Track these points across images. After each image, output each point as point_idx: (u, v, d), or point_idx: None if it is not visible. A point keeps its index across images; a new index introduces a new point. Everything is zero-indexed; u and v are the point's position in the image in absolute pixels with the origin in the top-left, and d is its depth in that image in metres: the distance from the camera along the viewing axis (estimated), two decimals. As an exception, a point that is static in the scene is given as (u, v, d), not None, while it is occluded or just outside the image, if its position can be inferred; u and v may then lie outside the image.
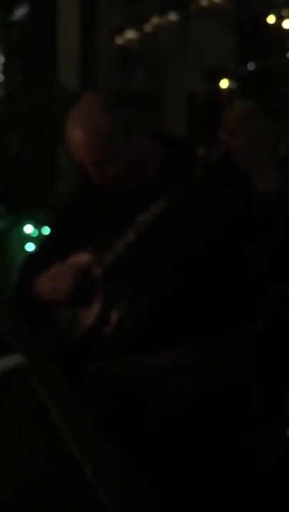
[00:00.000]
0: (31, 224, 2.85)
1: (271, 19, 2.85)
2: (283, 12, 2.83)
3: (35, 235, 2.84)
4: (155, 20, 3.94)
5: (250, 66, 2.83)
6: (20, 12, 3.43)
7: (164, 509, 0.69)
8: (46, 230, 2.71)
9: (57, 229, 1.60)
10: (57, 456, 0.79)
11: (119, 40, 3.97)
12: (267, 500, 0.92)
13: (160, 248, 1.30)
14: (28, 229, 2.86)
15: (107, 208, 1.39)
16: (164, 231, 1.29)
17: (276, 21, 2.86)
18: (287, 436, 0.82)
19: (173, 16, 3.87)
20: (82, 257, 1.36)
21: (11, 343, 1.15)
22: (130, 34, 4.00)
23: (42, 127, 2.91)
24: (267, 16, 2.85)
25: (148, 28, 3.97)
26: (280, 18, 2.86)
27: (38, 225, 2.84)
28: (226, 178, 1.25)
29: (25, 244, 2.83)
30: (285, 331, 0.94)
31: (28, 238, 2.84)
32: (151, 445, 1.03)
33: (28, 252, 2.79)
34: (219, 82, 2.99)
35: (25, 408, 0.92)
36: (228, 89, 2.92)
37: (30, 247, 2.82)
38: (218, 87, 2.97)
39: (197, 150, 1.31)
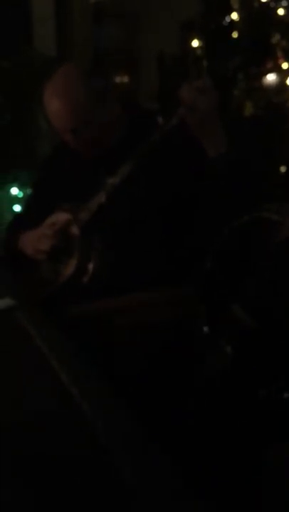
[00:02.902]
0: (16, 186, 3.00)
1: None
2: None
3: (20, 196, 2.99)
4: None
5: (215, 23, 2.93)
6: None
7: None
8: (30, 191, 2.85)
9: (37, 190, 1.78)
10: (48, 382, 0.93)
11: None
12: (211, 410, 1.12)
13: (127, 207, 1.49)
14: (14, 191, 3.01)
15: (81, 170, 1.57)
16: (130, 191, 1.48)
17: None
18: (227, 352, 1.03)
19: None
20: (61, 216, 1.55)
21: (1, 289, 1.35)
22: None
23: (20, 92, 3.01)
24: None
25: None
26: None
27: (22, 187, 2.98)
28: (182, 143, 1.44)
29: (12, 205, 2.99)
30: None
31: (15, 199, 3.00)
32: (121, 366, 1.24)
33: (14, 212, 2.96)
34: (190, 40, 3.08)
35: (16, 342, 1.11)
36: (198, 48, 3.02)
37: (16, 207, 2.98)
38: (189, 45, 3.06)
39: (157, 118, 1.49)
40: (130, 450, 0.73)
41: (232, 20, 2.88)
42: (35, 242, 1.53)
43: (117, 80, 3.85)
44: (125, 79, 3.95)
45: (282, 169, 2.93)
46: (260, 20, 2.86)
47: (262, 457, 0.97)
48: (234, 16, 2.89)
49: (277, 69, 2.94)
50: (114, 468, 0.70)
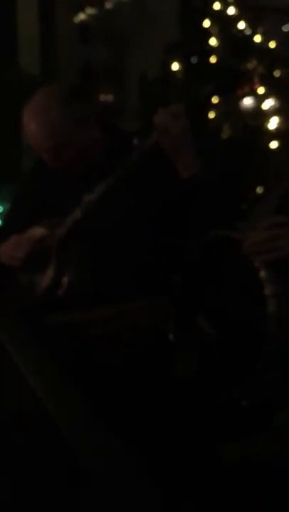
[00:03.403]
0: (-4, 201, 3.04)
1: (217, 6, 3.05)
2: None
3: (0, 211, 3.03)
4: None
5: (195, 48, 3.03)
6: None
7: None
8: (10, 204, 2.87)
9: (17, 203, 1.83)
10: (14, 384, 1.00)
11: (81, 17, 4.09)
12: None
13: (103, 223, 1.55)
14: (-6, 205, 3.05)
15: (60, 186, 1.64)
16: (106, 209, 1.54)
17: (222, 7, 3.06)
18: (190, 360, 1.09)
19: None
20: (38, 231, 1.60)
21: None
22: (90, 11, 4.13)
23: (5, 108, 3.07)
24: (213, 3, 3.05)
25: (108, 4, 4.10)
26: (225, 5, 3.07)
27: (3, 202, 3.02)
28: (157, 162, 1.51)
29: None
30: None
31: (-5, 214, 3.03)
32: (98, 370, 1.29)
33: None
34: (171, 63, 3.18)
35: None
36: (178, 71, 3.12)
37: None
38: (169, 69, 3.16)
39: (133, 139, 1.56)
40: (96, 448, 0.78)
41: (210, 46, 2.99)
42: (11, 249, 1.58)
43: (102, 98, 3.93)
44: (109, 98, 4.04)
45: (259, 190, 3.02)
46: (237, 46, 2.98)
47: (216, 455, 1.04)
48: (213, 41, 3.00)
49: (254, 93, 3.05)
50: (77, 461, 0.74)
